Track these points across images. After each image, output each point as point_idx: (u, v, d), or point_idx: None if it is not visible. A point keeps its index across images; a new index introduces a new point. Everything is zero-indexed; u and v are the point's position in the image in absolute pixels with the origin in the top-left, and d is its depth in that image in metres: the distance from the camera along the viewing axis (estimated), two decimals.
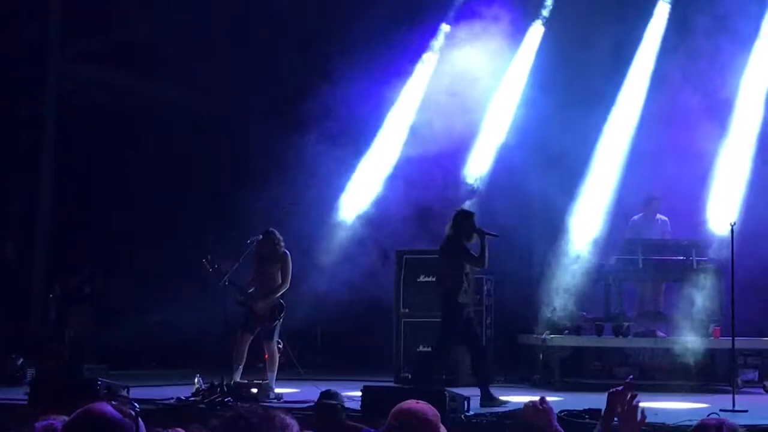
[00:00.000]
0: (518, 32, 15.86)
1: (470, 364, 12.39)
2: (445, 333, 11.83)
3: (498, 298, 15.29)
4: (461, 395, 10.42)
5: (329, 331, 16.41)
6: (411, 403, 4.94)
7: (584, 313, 14.64)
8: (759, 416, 9.94)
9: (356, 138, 15.77)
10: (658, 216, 15.22)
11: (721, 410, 10.26)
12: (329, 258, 15.56)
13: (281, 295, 12.41)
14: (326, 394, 9.20)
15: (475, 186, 15.54)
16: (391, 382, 13.77)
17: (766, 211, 14.14)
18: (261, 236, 12.33)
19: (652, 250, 14.50)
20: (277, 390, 12.07)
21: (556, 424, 5.82)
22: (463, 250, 11.78)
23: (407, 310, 14.37)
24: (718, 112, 15.02)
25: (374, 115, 15.92)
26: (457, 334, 11.86)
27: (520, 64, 15.99)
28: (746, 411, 10.73)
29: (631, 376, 4.95)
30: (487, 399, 11.38)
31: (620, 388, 5.53)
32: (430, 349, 13.88)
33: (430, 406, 4.94)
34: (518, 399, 11.58)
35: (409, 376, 13.84)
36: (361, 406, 9.96)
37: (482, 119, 15.84)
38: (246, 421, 2.97)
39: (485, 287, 15.02)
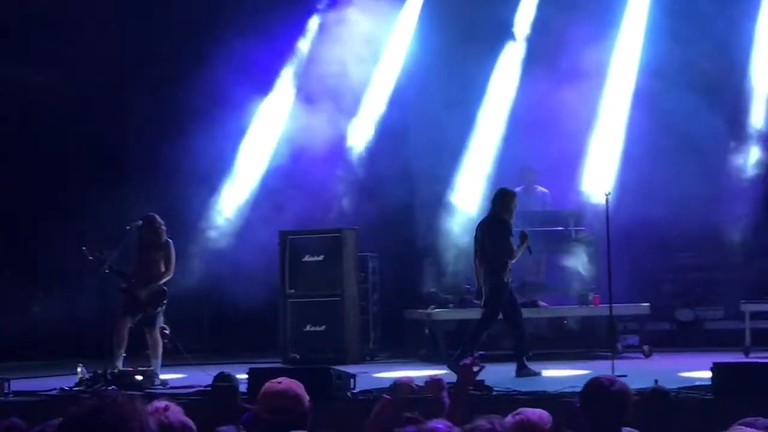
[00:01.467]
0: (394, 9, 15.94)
1: (511, 339, 12.52)
2: (492, 312, 12.06)
3: (383, 275, 15.38)
4: (348, 373, 10.47)
5: (215, 315, 16.31)
6: (273, 385, 5.00)
7: (468, 287, 14.80)
8: (638, 380, 10.18)
9: (238, 117, 15.64)
10: (538, 188, 15.45)
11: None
12: (212, 241, 15.49)
13: (165, 282, 12.30)
14: (220, 377, 9.18)
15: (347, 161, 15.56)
16: (279, 363, 13.78)
17: (640, 181, 14.47)
18: (141, 222, 12.19)
19: (532, 221, 14.72)
20: (163, 376, 11.98)
21: (446, 395, 6.04)
22: (504, 234, 12.01)
23: (293, 291, 14.36)
24: (594, 82, 15.29)
25: (256, 90, 15.80)
26: (501, 313, 12.15)
27: (398, 43, 16.03)
28: (625, 375, 10.97)
29: (481, 352, 5.71)
30: (523, 369, 11.73)
31: (468, 360, 5.89)
32: (321, 328, 13.98)
33: (292, 382, 5.00)
34: (407, 374, 11.70)
35: (297, 357, 13.88)
36: (247, 389, 9.94)
37: (363, 97, 15.84)
38: (97, 420, 2.60)
39: (370, 264, 15.10)
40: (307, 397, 5.07)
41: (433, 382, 5.99)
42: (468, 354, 11.53)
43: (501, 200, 12.20)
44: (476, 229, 12.32)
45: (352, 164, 15.59)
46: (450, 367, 11.36)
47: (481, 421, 5.23)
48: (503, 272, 12.03)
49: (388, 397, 5.86)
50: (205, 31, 15.76)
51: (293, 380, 5.16)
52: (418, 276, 16.04)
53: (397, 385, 5.93)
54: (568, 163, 15.13)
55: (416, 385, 5.91)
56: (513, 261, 12.12)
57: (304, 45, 16.01)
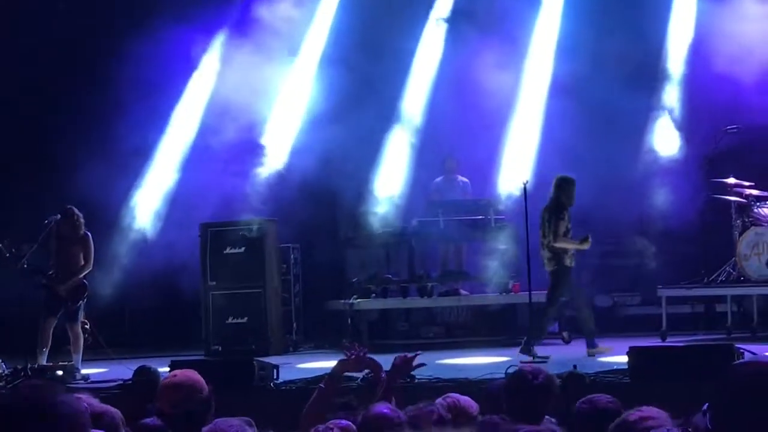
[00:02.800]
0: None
1: (578, 320, 12.74)
2: (553, 295, 12.37)
3: (305, 266, 15.40)
4: (270, 364, 10.52)
5: (136, 309, 16.20)
6: (170, 379, 5.08)
7: (390, 276, 14.90)
8: (557, 365, 10.36)
9: (159, 107, 15.51)
10: (459, 177, 15.57)
11: (521, 362, 10.65)
12: (133, 234, 15.38)
13: (84, 276, 12.22)
14: (141, 371, 9.17)
15: (266, 153, 15.52)
16: (201, 355, 13.74)
17: (559, 169, 14.63)
18: (59, 216, 12.08)
19: (453, 210, 14.86)
20: (84, 371, 11.91)
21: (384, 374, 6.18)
22: (554, 218, 12.18)
23: (214, 283, 14.33)
24: (513, 71, 15.43)
25: (177, 79, 15.71)
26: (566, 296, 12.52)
27: (315, 38, 16.01)
28: (545, 361, 11.18)
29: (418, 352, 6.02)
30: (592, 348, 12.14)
31: (410, 355, 6.05)
32: (244, 320, 13.97)
33: (187, 372, 5.08)
34: (331, 364, 11.78)
35: (220, 349, 13.86)
36: None
37: (281, 85, 15.79)
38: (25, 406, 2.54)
39: (292, 256, 15.11)
40: (206, 386, 5.13)
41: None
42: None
43: (559, 186, 12.34)
44: (540, 215, 12.45)
45: (272, 154, 15.54)
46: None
47: (422, 404, 5.33)
48: (564, 256, 12.21)
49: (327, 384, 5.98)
50: (127, 17, 15.64)
51: (188, 370, 5.22)
52: (341, 266, 16.10)
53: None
54: (489, 152, 15.25)
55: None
56: (558, 246, 12.19)
57: (224, 33, 15.90)
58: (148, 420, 5.36)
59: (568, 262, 12.30)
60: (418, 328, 15.48)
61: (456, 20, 15.84)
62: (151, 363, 10.29)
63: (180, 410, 4.90)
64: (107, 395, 9.28)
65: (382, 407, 5.04)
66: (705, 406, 2.58)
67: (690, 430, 4.54)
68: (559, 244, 12.16)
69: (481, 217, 14.79)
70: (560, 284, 12.26)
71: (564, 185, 12.34)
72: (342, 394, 6.13)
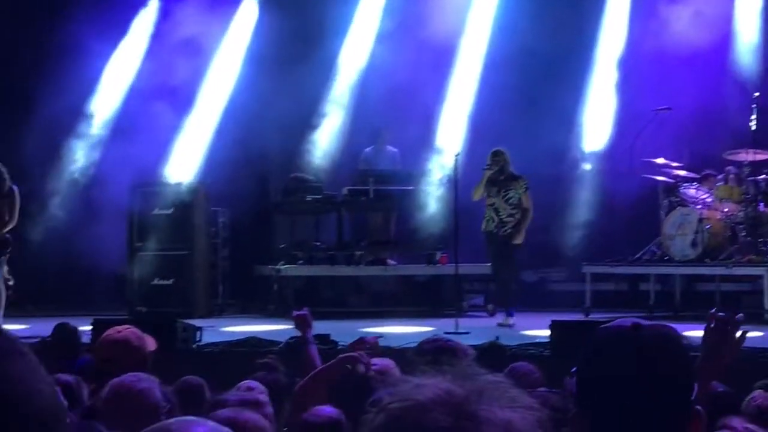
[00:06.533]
0: None
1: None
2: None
3: (234, 230, 15.34)
4: (193, 326, 10.52)
5: (61, 268, 16.01)
6: (113, 334, 5.00)
7: (318, 243, 14.89)
8: (479, 337, 10.45)
9: (89, 66, 15.30)
10: (389, 147, 15.56)
11: (445, 332, 10.70)
12: (61, 191, 15.21)
13: (8, 230, 12.04)
14: (60, 327, 9.10)
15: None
16: (125, 316, 13.63)
17: (491, 141, 14.68)
18: None
19: (383, 180, 14.86)
20: (5, 326, 11.74)
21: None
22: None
23: (141, 244, 14.23)
24: (450, 42, 15.44)
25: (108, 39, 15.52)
26: None
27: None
28: (468, 333, 11.26)
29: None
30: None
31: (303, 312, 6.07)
32: (169, 282, 13.90)
33: (131, 330, 4.99)
34: (255, 328, 11.87)
35: (144, 310, 13.78)
36: (91, 340, 9.83)
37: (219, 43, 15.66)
38: None
39: (220, 219, 15.06)
40: (148, 350, 5.06)
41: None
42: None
43: (507, 159, 12.91)
44: (500, 185, 12.88)
45: (204, 116, 15.43)
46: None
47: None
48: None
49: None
50: None
51: (136, 331, 5.15)
52: (269, 232, 16.06)
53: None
54: (420, 123, 15.25)
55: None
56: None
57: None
58: (62, 375, 5.32)
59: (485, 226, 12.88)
60: (344, 296, 15.51)
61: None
62: (74, 322, 10.20)
63: (111, 367, 4.81)
64: None
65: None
66: (573, 369, 2.63)
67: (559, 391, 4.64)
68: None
69: (411, 188, 14.82)
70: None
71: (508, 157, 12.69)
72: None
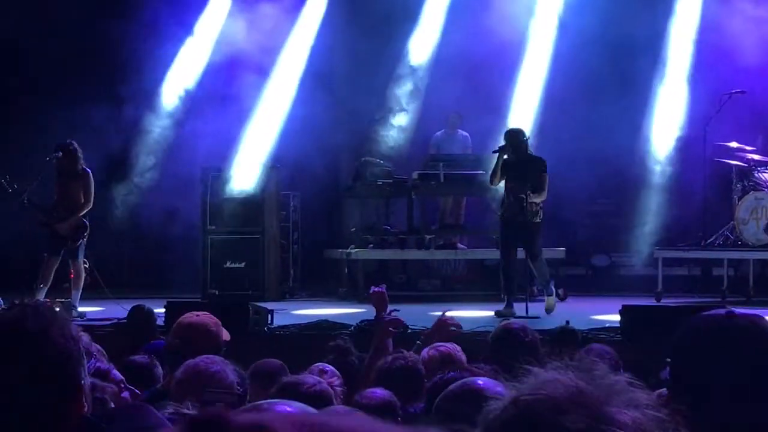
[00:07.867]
0: None
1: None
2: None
3: (304, 214, 15.44)
4: (265, 309, 10.60)
5: (135, 251, 16.25)
6: (190, 317, 5.07)
7: (389, 227, 14.94)
8: (551, 321, 10.44)
9: (165, 49, 15.41)
10: (460, 131, 15.56)
11: (515, 317, 10.73)
12: (135, 174, 15.39)
13: (84, 214, 12.23)
14: (136, 309, 9.26)
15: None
16: (198, 298, 13.80)
17: (560, 127, 14.63)
18: (60, 153, 12.06)
19: (453, 164, 14.86)
20: (81, 308, 11.98)
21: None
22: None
23: (213, 227, 14.38)
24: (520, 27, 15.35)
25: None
26: None
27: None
28: (538, 317, 11.26)
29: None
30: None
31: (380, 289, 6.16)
32: (241, 265, 14.03)
33: (209, 316, 5.07)
34: (326, 311, 11.96)
35: (216, 292, 13.93)
36: (164, 322, 9.98)
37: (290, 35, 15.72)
38: (19, 328, 2.56)
39: (292, 203, 15.16)
40: (223, 336, 5.13)
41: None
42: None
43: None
44: (523, 169, 12.22)
45: (276, 100, 15.49)
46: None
47: (393, 356, 5.36)
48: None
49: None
50: None
51: (212, 317, 5.22)
52: (339, 216, 16.14)
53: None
54: (491, 108, 15.19)
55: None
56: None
57: None
58: (136, 357, 5.41)
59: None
60: (415, 280, 15.56)
61: None
62: (148, 304, 10.35)
63: (186, 348, 4.89)
64: (102, 333, 9.38)
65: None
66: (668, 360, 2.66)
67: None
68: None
69: (482, 172, 14.78)
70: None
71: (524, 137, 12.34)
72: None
